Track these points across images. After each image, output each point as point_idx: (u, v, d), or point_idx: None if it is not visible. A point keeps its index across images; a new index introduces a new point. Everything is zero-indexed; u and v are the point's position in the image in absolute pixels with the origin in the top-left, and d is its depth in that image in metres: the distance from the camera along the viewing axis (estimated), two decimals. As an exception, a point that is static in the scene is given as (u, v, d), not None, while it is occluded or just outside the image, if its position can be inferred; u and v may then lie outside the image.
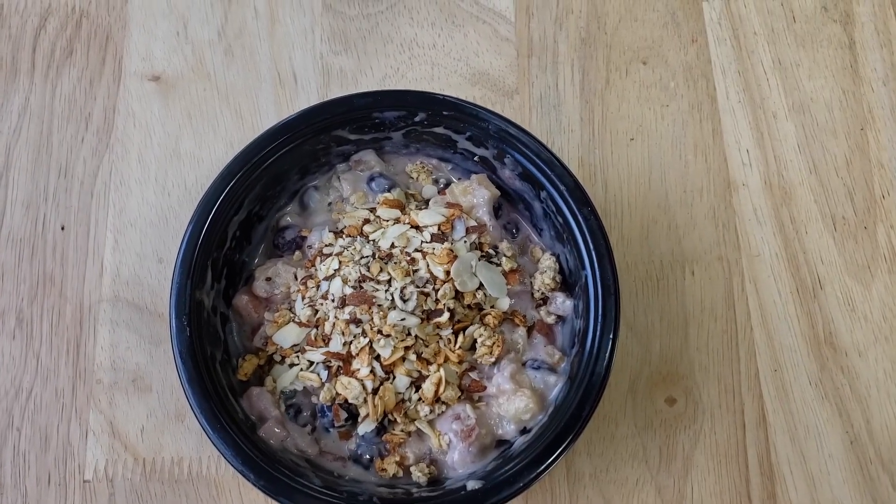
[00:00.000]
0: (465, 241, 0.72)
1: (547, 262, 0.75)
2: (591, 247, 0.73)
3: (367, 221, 0.74)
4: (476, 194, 0.76)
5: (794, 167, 0.84)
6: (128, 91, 0.94)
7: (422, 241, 0.69)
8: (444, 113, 0.72)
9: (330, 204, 0.79)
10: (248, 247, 0.75)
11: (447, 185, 0.77)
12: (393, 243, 0.69)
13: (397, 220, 0.73)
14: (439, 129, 0.74)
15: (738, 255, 0.82)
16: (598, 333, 0.73)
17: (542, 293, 0.74)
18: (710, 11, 0.99)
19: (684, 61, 0.90)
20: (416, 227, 0.70)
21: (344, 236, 0.71)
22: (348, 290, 0.67)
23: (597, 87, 0.92)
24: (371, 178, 0.78)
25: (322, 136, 0.73)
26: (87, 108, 0.83)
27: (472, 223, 0.73)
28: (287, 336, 0.71)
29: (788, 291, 0.77)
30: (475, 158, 0.77)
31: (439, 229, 0.70)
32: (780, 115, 0.86)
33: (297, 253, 0.75)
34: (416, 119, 0.73)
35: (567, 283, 0.73)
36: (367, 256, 0.68)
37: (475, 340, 0.71)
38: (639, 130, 0.90)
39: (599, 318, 0.73)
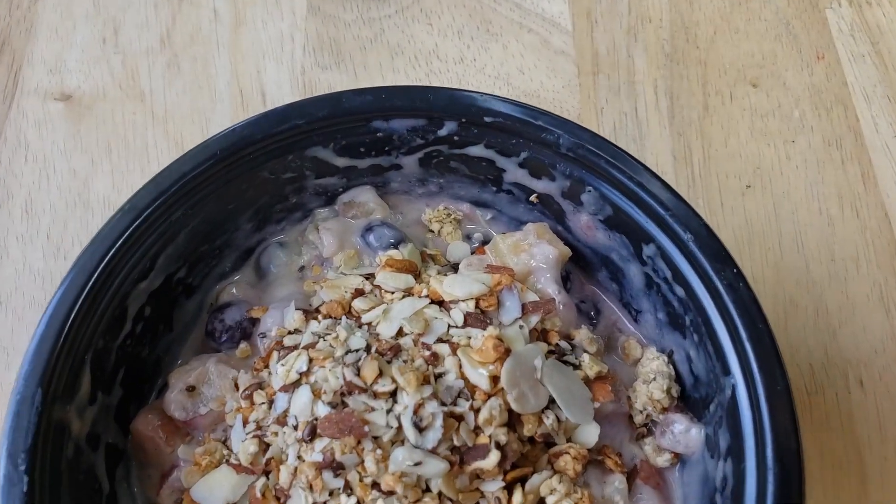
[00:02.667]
0: (522, 327, 0.49)
1: (654, 363, 0.52)
2: (743, 335, 0.43)
3: (359, 294, 0.52)
4: (535, 253, 0.53)
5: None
6: (22, 114, 0.66)
7: (449, 326, 0.47)
8: (487, 121, 0.51)
9: (302, 269, 0.57)
10: (166, 335, 0.53)
11: (485, 241, 0.57)
12: (401, 328, 0.47)
13: (408, 292, 0.51)
14: (477, 150, 0.53)
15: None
16: (765, 492, 0.39)
17: (649, 415, 0.51)
18: (836, 21, 0.79)
19: (809, 83, 0.74)
20: (440, 303, 0.49)
21: (320, 318, 0.50)
22: (322, 410, 0.43)
23: (691, 115, 0.74)
24: (368, 229, 0.56)
25: (291, 158, 0.52)
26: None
27: (532, 297, 0.51)
28: (215, 490, 0.45)
29: None
30: (531, 199, 0.56)
31: (477, 306, 0.48)
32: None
33: (242, 345, 0.53)
34: (442, 133, 0.52)
35: (688, 398, 0.51)
36: (356, 350, 0.46)
37: (543, 501, 0.45)
38: (756, 174, 0.71)
39: (769, 462, 0.40)
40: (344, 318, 0.49)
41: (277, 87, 0.71)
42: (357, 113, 0.52)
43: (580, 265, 0.57)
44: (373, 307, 0.49)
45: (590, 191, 0.52)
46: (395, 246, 0.54)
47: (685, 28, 0.78)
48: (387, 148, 0.54)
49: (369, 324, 0.49)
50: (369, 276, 0.52)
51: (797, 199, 0.69)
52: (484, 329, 0.47)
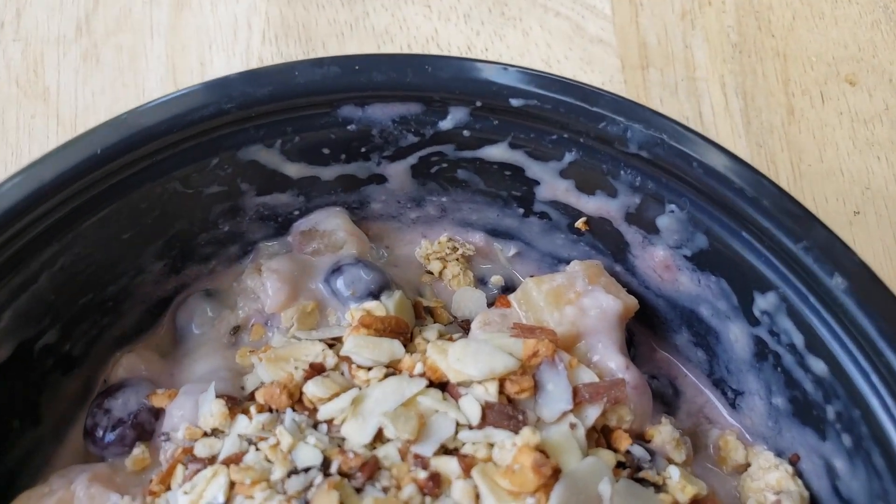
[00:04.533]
0: (575, 427, 0.33)
1: (771, 475, 0.36)
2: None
3: (316, 371, 0.35)
4: (586, 306, 0.38)
5: None
6: None
7: (459, 426, 0.33)
8: (514, 105, 0.36)
9: (236, 330, 0.40)
10: (28, 433, 0.37)
11: (507, 288, 0.43)
12: (381, 431, 0.33)
13: (393, 369, 0.36)
14: (497, 151, 0.38)
15: None
16: None
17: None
18: (949, 4, 0.60)
19: (922, 80, 0.61)
20: (443, 387, 0.35)
21: (253, 411, 0.35)
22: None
23: (772, 120, 0.60)
24: (336, 271, 0.41)
25: (217, 163, 0.37)
26: None
27: (587, 376, 0.35)
28: None
29: None
30: (578, 225, 0.41)
31: (502, 392, 0.34)
32: None
33: (136, 451, 0.37)
34: (445, 125, 0.38)
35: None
36: (305, 470, 0.31)
37: None
38: (865, 196, 0.57)
39: None
40: (290, 411, 0.32)
41: (226, 82, 0.54)
42: (317, 93, 0.36)
43: (647, 323, 0.43)
44: (336, 394, 0.34)
45: (672, 211, 0.36)
46: (376, 295, 0.40)
47: (755, 13, 0.65)
48: (363, 149, 0.40)
49: (330, 422, 0.34)
50: (334, 343, 0.39)
51: (924, 229, 0.52)
52: (515, 432, 0.33)
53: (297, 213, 0.41)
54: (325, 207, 0.42)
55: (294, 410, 0.34)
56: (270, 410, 0.34)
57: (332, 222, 0.41)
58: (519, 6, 0.62)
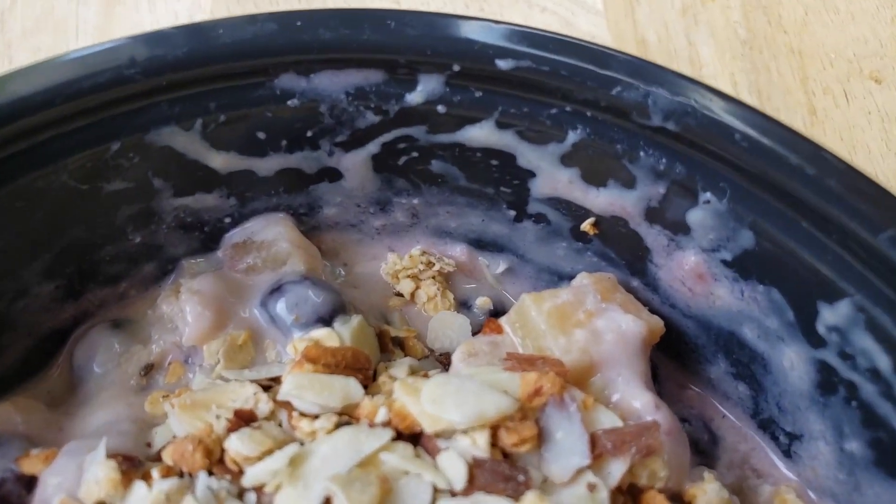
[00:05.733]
0: (595, 488, 0.26)
1: None
2: None
3: (244, 421, 0.28)
4: (599, 329, 0.30)
5: None
6: None
7: (435, 490, 0.26)
8: (501, 68, 0.28)
9: (147, 369, 0.32)
10: None
11: (497, 312, 0.36)
12: (329, 501, 0.25)
13: (349, 417, 0.28)
14: (481, 132, 0.31)
15: None
16: None
17: None
18: (972, -4, 0.55)
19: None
20: (414, 440, 0.27)
21: (155, 475, 0.26)
22: None
23: (793, 120, 0.55)
24: (275, 291, 0.33)
25: (118, 149, 0.29)
26: None
27: (608, 419, 0.27)
28: None
29: None
30: (584, 228, 0.33)
31: (495, 445, 0.27)
32: None
33: None
34: (413, 98, 0.30)
35: None
36: None
37: None
38: None
39: None
40: (203, 475, 0.24)
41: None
42: (247, 57, 0.28)
43: (672, 352, 0.35)
44: (269, 451, 0.26)
45: (707, 202, 0.28)
46: (327, 321, 0.32)
47: (763, 7, 0.60)
48: (310, 133, 0.32)
49: (259, 489, 0.26)
50: (271, 385, 0.30)
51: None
52: (515, 498, 0.26)
53: (228, 220, 0.34)
54: (263, 213, 0.34)
55: (212, 474, 0.25)
56: (181, 475, 0.26)
57: (272, 231, 0.33)
58: (500, 2, 0.56)
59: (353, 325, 0.31)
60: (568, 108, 0.29)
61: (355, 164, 0.32)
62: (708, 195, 0.29)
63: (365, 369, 0.29)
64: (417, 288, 0.35)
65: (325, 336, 0.30)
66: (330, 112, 0.30)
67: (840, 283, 0.27)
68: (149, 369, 0.32)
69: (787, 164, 0.27)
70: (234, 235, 0.33)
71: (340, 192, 0.33)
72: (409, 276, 0.35)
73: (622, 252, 0.33)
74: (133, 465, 0.26)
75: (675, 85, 0.28)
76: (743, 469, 0.34)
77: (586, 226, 0.33)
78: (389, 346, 0.33)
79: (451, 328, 0.35)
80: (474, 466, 0.25)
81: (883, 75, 0.56)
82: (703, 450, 0.34)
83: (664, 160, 0.29)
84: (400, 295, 0.36)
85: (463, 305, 0.37)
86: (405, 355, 0.33)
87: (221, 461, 0.27)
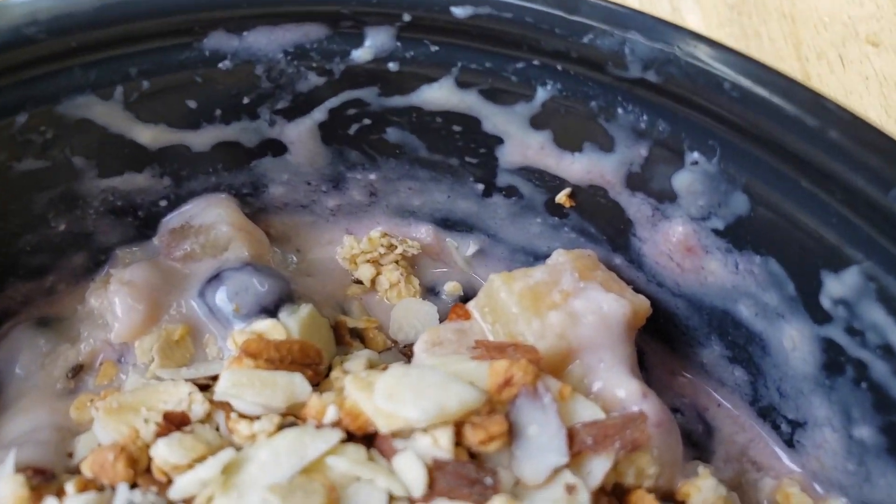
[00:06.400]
0: (574, 490, 0.23)
1: None
2: None
3: (175, 425, 0.25)
4: (578, 310, 0.28)
5: None
6: None
7: (391, 498, 0.23)
8: (459, 17, 0.26)
9: (76, 370, 0.29)
10: None
11: (467, 298, 0.33)
12: None
13: (293, 418, 0.26)
14: (439, 93, 0.28)
15: None
16: None
17: None
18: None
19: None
20: (368, 441, 0.25)
21: (70, 491, 0.24)
22: None
23: None
24: (213, 280, 0.30)
25: (29, 121, 0.27)
26: None
27: (588, 410, 0.25)
28: None
29: None
30: (559, 200, 0.31)
31: (460, 444, 0.24)
32: None
33: None
34: (360, 54, 0.27)
35: None
36: None
37: None
38: None
39: None
40: (124, 487, 0.23)
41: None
42: (170, 12, 0.25)
43: (660, 335, 0.33)
44: (201, 458, 0.23)
45: (695, 163, 0.25)
46: (272, 311, 0.29)
47: None
48: (247, 100, 0.29)
49: (188, 502, 0.24)
50: (209, 385, 0.27)
51: None
52: None
53: (164, 203, 0.31)
54: (203, 195, 0.30)
55: (135, 486, 0.22)
56: (101, 488, 0.23)
57: (211, 214, 0.30)
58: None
59: (302, 315, 0.28)
60: (535, 62, 0.26)
61: (300, 134, 0.29)
62: (695, 155, 0.26)
63: (315, 364, 0.26)
64: (378, 274, 0.32)
65: (269, 328, 0.27)
66: (267, 75, 0.27)
67: (846, 249, 0.25)
68: (77, 371, 0.29)
69: (783, 116, 0.25)
70: (172, 220, 0.30)
71: (287, 167, 0.30)
72: (368, 261, 0.32)
73: (602, 226, 0.30)
74: (46, 479, 0.23)
75: (654, 30, 0.25)
76: (741, 462, 0.33)
77: (562, 197, 0.30)
78: (347, 338, 0.30)
79: (416, 317, 0.32)
80: (435, 469, 0.23)
81: (880, 38, 0.56)
82: (697, 442, 0.32)
83: (645, 117, 0.26)
84: (359, 282, 0.33)
85: (430, 292, 0.35)
86: (365, 348, 0.30)
87: (149, 471, 0.24)
